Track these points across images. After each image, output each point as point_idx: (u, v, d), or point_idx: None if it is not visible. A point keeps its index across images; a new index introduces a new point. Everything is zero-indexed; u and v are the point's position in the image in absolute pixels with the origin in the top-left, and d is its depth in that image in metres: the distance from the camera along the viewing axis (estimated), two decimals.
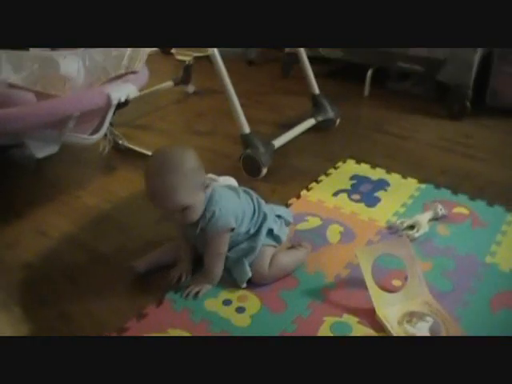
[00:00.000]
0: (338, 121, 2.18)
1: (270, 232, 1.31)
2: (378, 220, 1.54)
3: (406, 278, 1.24)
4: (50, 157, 1.54)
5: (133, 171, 1.88)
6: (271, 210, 1.36)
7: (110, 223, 1.58)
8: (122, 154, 2.03)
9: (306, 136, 2.04)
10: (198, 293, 1.25)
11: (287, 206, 1.63)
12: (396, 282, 1.27)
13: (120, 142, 2.04)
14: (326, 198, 1.67)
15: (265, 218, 1.30)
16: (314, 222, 1.54)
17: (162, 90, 2.52)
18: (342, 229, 1.50)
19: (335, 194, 1.69)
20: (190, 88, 2.68)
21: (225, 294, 1.26)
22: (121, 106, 1.54)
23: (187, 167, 1.14)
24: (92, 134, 1.55)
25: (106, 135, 1.96)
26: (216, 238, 1.23)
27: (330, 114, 2.15)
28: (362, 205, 1.62)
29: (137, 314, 1.20)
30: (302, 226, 1.52)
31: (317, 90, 2.16)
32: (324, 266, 1.35)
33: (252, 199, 1.32)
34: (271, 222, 1.32)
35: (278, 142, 1.90)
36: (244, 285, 1.27)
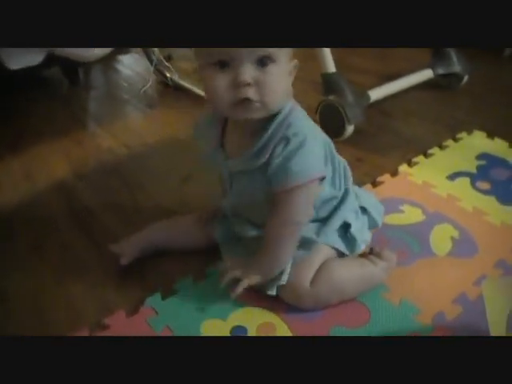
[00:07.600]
0: (465, 78, 1.54)
1: (345, 228, 0.78)
2: None
3: None
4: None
5: (172, 113, 1.41)
6: (354, 192, 0.82)
7: (119, 177, 1.13)
8: (170, 91, 1.57)
9: (420, 93, 1.45)
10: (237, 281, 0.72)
11: (375, 184, 1.07)
12: None
13: (168, 75, 1.57)
14: (436, 180, 1.09)
15: (346, 194, 0.78)
16: (412, 216, 0.97)
17: None
18: (456, 233, 0.93)
19: (452, 176, 1.10)
20: None
21: (237, 316, 0.75)
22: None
23: None
24: None
25: (153, 63, 1.53)
26: (296, 190, 0.67)
27: (456, 67, 1.51)
28: (492, 199, 1.02)
29: (96, 325, 0.74)
30: (393, 218, 0.96)
31: None
32: (419, 295, 0.79)
33: (333, 156, 0.77)
34: (350, 212, 0.78)
35: (377, 94, 1.32)
36: (273, 292, 0.74)
